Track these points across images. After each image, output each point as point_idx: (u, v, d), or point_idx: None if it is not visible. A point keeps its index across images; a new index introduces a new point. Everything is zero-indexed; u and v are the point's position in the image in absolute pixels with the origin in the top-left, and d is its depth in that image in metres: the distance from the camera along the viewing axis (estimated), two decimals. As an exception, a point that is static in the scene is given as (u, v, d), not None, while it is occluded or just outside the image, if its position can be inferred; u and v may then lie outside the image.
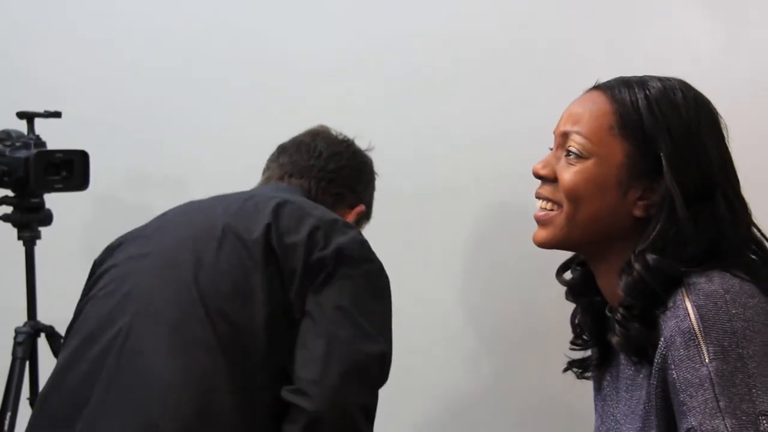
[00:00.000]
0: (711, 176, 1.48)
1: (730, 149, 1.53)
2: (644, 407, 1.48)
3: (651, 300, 1.45)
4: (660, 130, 1.48)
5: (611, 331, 1.54)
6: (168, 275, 1.70)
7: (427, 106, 2.74)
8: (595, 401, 1.71)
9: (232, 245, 1.70)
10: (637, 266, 1.46)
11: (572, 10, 2.73)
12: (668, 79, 1.55)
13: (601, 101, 1.53)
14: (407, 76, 2.73)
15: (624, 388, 1.58)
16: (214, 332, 1.62)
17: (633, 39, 2.67)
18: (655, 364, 1.43)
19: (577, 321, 1.71)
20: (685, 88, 1.53)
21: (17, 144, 2.38)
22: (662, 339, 1.42)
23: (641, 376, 1.51)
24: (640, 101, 1.50)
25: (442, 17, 2.76)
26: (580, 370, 1.72)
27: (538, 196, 1.58)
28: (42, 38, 2.87)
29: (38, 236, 2.45)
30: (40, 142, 2.40)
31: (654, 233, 1.47)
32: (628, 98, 1.51)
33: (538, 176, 1.57)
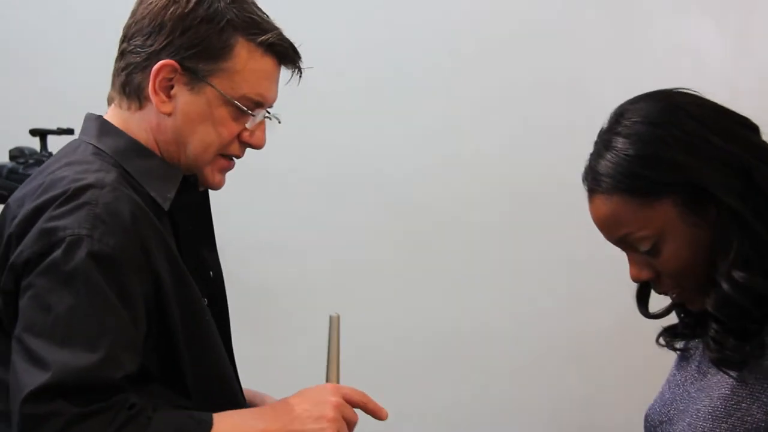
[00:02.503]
0: (740, 162, 1.46)
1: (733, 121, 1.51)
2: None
3: (745, 315, 1.44)
4: (667, 168, 1.46)
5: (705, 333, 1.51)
6: None
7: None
8: (672, 371, 1.68)
9: None
10: (726, 285, 1.44)
11: (578, 23, 2.75)
12: (621, 124, 1.51)
13: (610, 201, 1.50)
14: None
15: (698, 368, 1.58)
16: None
17: (640, 48, 2.69)
18: None
19: None
20: (644, 116, 1.50)
21: (30, 161, 2.40)
22: None
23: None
24: (631, 164, 1.47)
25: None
26: (669, 338, 1.67)
27: (665, 293, 1.56)
28: (56, 56, 2.91)
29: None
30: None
31: (734, 246, 1.44)
32: (622, 175, 1.47)
33: (642, 282, 1.56)
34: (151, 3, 1.59)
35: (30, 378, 1.37)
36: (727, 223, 1.45)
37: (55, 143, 2.45)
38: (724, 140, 1.46)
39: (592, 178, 1.52)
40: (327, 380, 1.63)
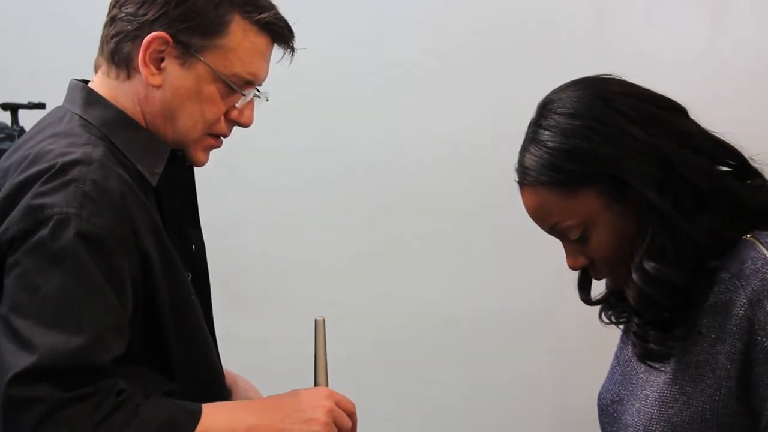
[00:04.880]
0: (661, 151, 1.46)
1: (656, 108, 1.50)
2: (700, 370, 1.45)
3: (658, 306, 1.44)
4: (586, 160, 1.47)
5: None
6: None
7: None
8: (618, 345, 1.68)
9: None
10: (635, 276, 1.45)
11: (559, 5, 2.77)
12: (544, 115, 1.52)
13: (536, 193, 1.51)
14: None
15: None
16: None
17: (619, 31, 2.70)
18: (734, 328, 1.41)
19: None
20: (565, 107, 1.50)
21: (1, 135, 2.39)
22: (745, 300, 1.40)
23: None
24: (553, 157, 1.48)
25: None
26: (608, 313, 1.66)
27: (600, 279, 1.58)
28: (26, 29, 2.88)
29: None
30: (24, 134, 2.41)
31: (649, 235, 1.45)
32: (544, 168, 1.48)
33: (578, 269, 1.57)
34: None
35: (15, 359, 1.34)
36: (645, 213, 1.45)
37: (26, 117, 2.43)
38: (644, 130, 1.46)
39: (520, 171, 1.53)
40: (316, 383, 1.62)
